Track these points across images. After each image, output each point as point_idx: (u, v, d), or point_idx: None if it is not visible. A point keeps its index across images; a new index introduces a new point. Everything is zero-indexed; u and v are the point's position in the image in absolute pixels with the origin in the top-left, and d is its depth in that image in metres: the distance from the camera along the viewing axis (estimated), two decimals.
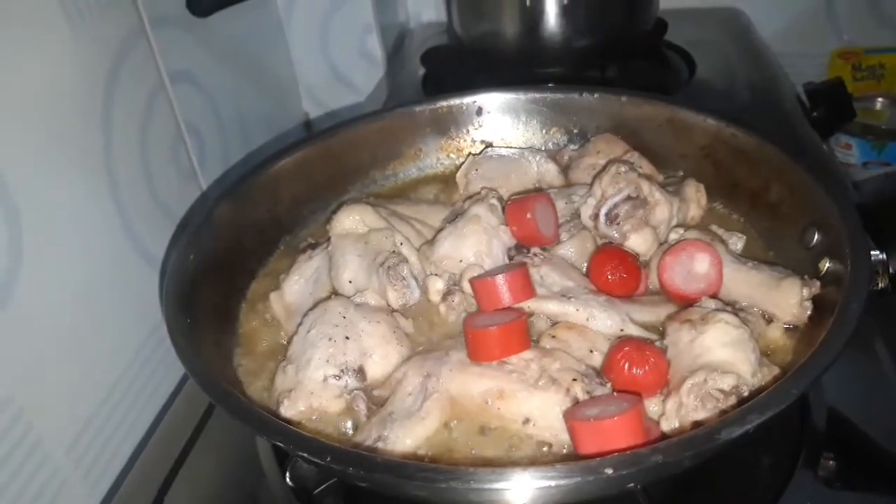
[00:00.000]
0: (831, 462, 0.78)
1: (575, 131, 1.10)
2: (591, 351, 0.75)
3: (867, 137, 1.51)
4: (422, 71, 1.55)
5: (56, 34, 0.88)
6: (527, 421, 0.69)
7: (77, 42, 0.91)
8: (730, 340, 0.70)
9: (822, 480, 0.76)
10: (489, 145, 1.10)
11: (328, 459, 0.58)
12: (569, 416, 0.65)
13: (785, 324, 0.78)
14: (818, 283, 0.77)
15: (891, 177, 0.90)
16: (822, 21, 1.71)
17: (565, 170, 1.04)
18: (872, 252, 0.74)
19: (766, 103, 1.36)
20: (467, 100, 1.10)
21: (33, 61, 0.85)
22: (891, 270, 0.76)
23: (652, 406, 0.70)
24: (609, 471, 0.54)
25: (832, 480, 0.77)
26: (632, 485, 0.60)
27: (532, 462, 0.67)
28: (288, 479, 0.77)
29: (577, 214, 0.90)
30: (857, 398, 0.84)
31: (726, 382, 0.66)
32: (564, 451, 0.67)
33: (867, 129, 1.51)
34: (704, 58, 1.50)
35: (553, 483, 0.55)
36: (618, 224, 0.86)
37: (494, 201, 0.88)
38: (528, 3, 1.37)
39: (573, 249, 0.88)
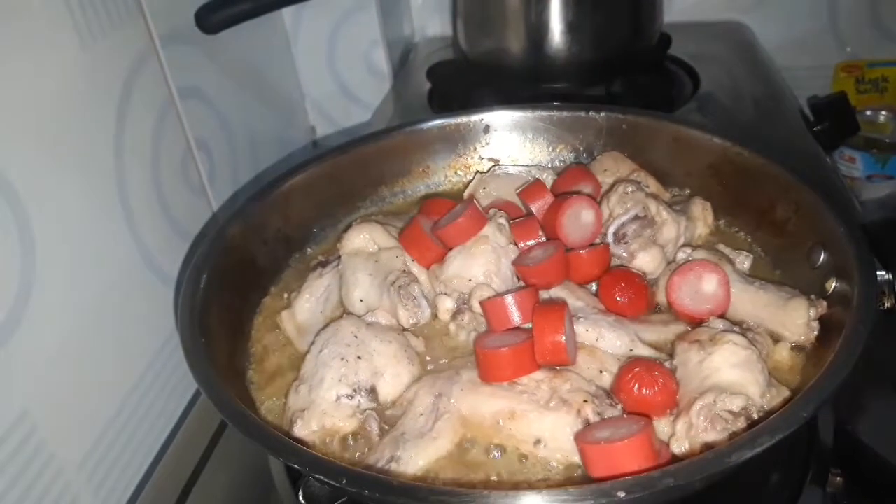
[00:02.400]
0: (839, 478, 0.78)
1: (581, 149, 1.11)
2: (601, 371, 0.75)
3: (871, 150, 1.51)
4: (428, 86, 1.56)
5: (68, 53, 0.89)
6: (538, 442, 0.69)
7: (89, 60, 0.92)
8: (738, 361, 0.70)
9: (830, 497, 0.77)
10: (496, 163, 1.11)
11: (343, 482, 0.59)
12: (580, 438, 0.66)
13: (792, 344, 0.78)
14: (825, 304, 0.77)
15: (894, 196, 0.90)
16: (825, 34, 1.72)
17: None
18: (879, 273, 0.75)
19: (770, 117, 1.37)
20: (475, 118, 1.11)
21: (46, 81, 0.86)
22: None
23: (662, 426, 0.71)
24: (622, 494, 0.55)
25: (840, 497, 0.77)
26: None
27: (544, 484, 0.67)
28: (300, 497, 0.77)
29: None
30: (864, 414, 0.85)
31: (735, 404, 0.67)
32: (577, 473, 0.68)
33: (871, 143, 1.52)
34: (708, 72, 1.50)
35: None
36: (626, 243, 0.87)
37: (503, 220, 0.88)
38: (532, 18, 1.38)
39: None
